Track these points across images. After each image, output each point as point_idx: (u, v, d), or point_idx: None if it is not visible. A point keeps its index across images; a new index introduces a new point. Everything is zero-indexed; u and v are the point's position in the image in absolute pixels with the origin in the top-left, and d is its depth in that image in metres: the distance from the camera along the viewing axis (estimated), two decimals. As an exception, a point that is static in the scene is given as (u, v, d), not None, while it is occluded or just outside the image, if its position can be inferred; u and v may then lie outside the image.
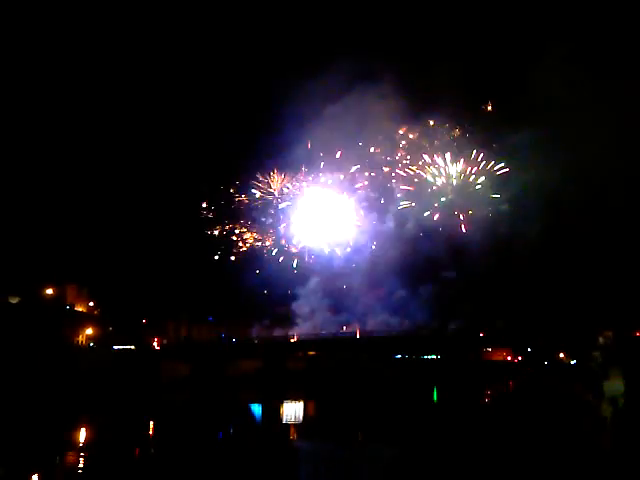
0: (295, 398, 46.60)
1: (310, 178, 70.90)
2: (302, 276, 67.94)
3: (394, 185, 68.83)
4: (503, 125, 62.87)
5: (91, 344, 64.42)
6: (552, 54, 54.45)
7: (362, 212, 69.11)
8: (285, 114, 59.78)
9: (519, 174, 62.49)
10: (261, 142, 67.23)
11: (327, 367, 62.25)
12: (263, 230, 71.85)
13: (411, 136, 68.88)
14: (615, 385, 18.91)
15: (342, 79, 59.61)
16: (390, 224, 66.32)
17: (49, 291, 65.39)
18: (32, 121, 63.53)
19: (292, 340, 60.01)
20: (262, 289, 68.07)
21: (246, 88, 65.25)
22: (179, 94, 65.46)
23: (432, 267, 64.89)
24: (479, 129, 67.06)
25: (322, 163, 69.63)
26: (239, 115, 65.69)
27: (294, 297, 66.50)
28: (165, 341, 69.01)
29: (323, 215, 69.76)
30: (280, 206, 71.22)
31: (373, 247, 68.00)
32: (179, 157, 66.50)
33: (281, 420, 34.65)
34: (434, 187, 67.61)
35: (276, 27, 64.41)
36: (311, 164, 69.86)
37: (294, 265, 69.65)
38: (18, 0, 60.54)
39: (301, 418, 36.78)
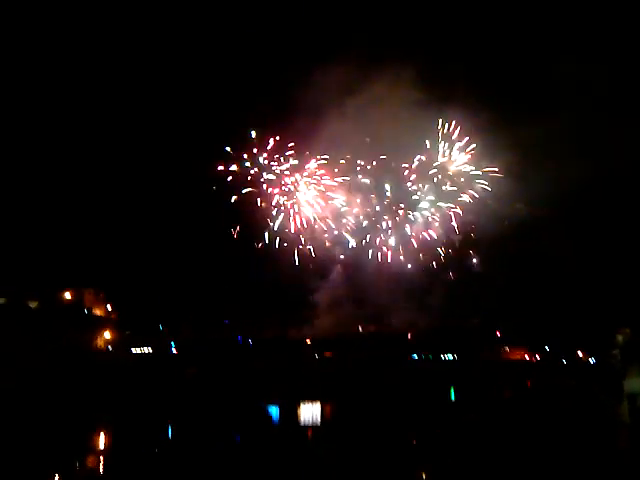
0: (312, 399, 46.64)
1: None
2: (319, 273, 67.62)
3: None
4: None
5: (109, 347, 65.19)
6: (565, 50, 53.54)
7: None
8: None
9: (537, 171, 61.70)
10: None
11: (343, 368, 62.28)
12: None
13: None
14: (635, 383, 18.64)
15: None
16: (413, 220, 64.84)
17: (67, 295, 66.20)
18: (42, 126, 63.98)
19: (307, 341, 60.19)
20: (277, 288, 67.96)
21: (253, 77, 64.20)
22: (184, 89, 65.01)
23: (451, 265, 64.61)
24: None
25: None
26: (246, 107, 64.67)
27: (310, 295, 66.40)
28: (182, 343, 69.56)
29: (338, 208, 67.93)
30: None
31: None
32: (191, 163, 66.27)
33: (298, 422, 34.67)
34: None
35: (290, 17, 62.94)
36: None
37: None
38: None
39: (319, 420, 36.78)
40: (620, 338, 18.63)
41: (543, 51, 59.08)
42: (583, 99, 53.55)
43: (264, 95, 65.09)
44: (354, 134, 63.18)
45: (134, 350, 64.33)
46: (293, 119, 62.55)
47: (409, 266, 65.01)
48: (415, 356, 69.58)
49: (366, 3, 62.50)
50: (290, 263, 66.84)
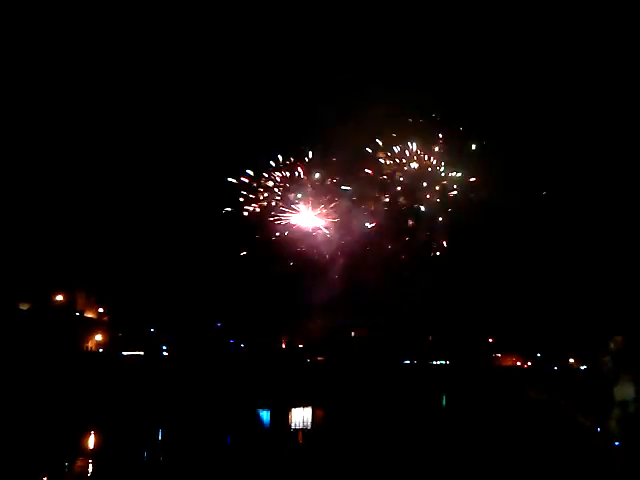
0: (303, 405, 46.64)
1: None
2: (310, 277, 67.10)
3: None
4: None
5: (100, 350, 64.96)
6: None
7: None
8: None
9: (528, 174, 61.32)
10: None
11: (335, 373, 62.20)
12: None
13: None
14: (626, 390, 18.72)
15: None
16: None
17: (59, 297, 65.93)
18: (39, 127, 63.48)
19: (300, 345, 60.19)
20: (270, 293, 67.46)
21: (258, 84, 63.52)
22: (190, 89, 64.38)
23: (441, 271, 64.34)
24: None
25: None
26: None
27: (302, 300, 66.02)
28: (174, 347, 69.43)
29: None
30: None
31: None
32: (191, 170, 65.51)
33: (289, 427, 34.64)
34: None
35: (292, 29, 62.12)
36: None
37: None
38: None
39: (309, 425, 36.76)
40: (612, 346, 18.70)
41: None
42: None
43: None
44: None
45: (125, 353, 64.03)
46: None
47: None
48: (407, 361, 69.64)
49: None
50: (283, 266, 66.31)
